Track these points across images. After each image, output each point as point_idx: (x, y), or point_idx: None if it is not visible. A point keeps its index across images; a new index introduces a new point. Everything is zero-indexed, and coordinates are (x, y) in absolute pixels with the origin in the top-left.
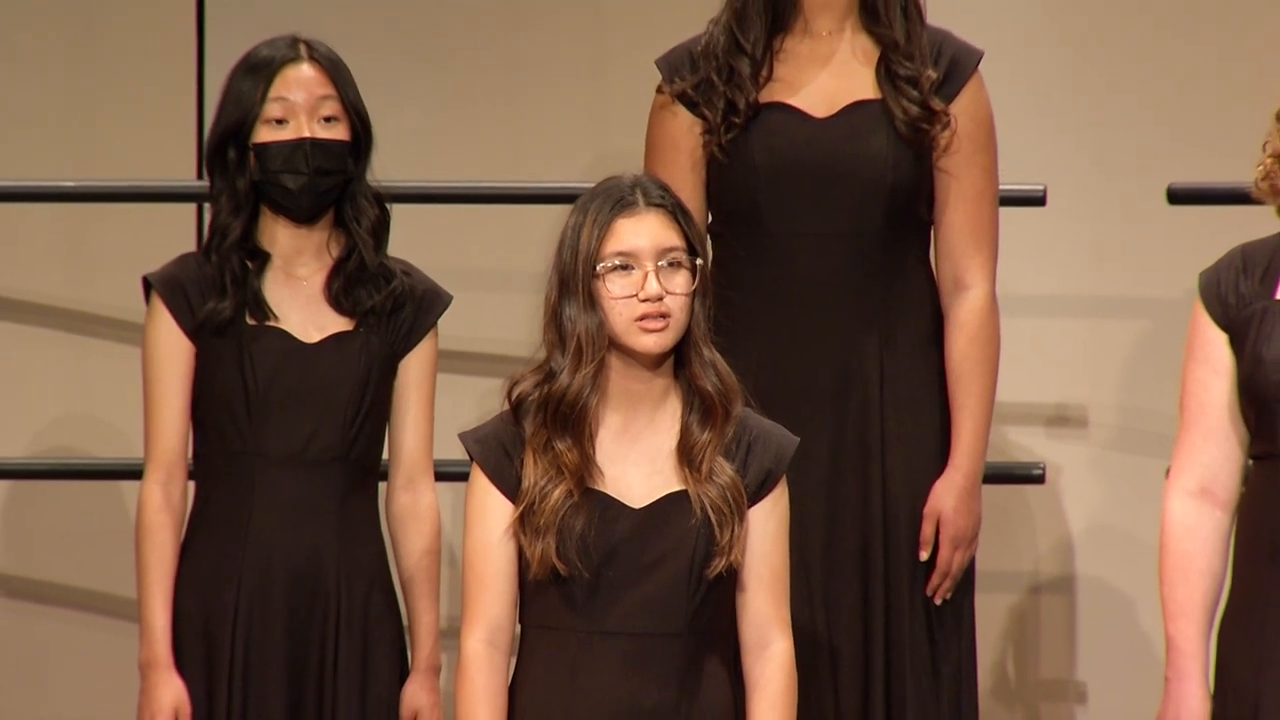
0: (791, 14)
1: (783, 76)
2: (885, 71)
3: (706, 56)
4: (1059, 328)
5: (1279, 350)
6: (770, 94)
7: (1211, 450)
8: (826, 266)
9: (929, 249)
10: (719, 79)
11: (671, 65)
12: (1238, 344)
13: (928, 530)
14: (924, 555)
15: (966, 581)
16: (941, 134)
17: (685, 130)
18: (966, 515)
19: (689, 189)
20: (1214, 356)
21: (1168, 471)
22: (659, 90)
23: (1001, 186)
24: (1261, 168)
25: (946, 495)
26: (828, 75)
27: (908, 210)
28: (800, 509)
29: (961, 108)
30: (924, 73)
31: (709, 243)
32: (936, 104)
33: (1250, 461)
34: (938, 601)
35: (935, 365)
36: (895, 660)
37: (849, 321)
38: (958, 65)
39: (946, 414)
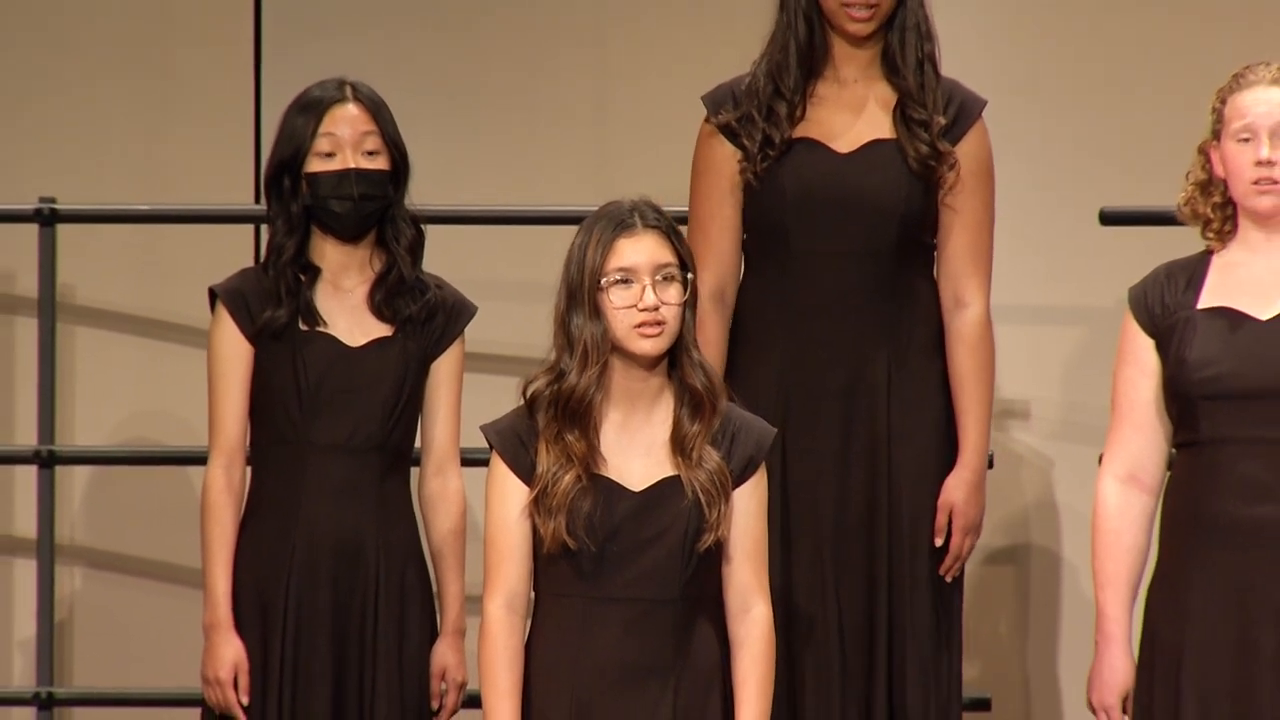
0: (824, 63)
1: (813, 116)
2: (901, 115)
3: (749, 95)
4: (1006, 333)
5: (1199, 353)
6: (801, 130)
7: (1139, 441)
8: (843, 282)
9: (933, 269)
10: (759, 116)
11: (716, 100)
12: (1163, 348)
13: (941, 520)
14: (939, 542)
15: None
16: (947, 172)
17: (726, 158)
18: (975, 506)
19: (729, 208)
20: (1142, 359)
21: (1100, 459)
22: (706, 121)
23: None
24: (1184, 194)
25: (957, 489)
26: (851, 116)
27: (915, 236)
28: (813, 496)
29: (965, 150)
30: (934, 118)
31: (743, 260)
32: (944, 145)
33: (1174, 450)
34: (949, 579)
35: (937, 371)
36: (897, 629)
37: (861, 330)
38: (964, 111)
39: (946, 414)
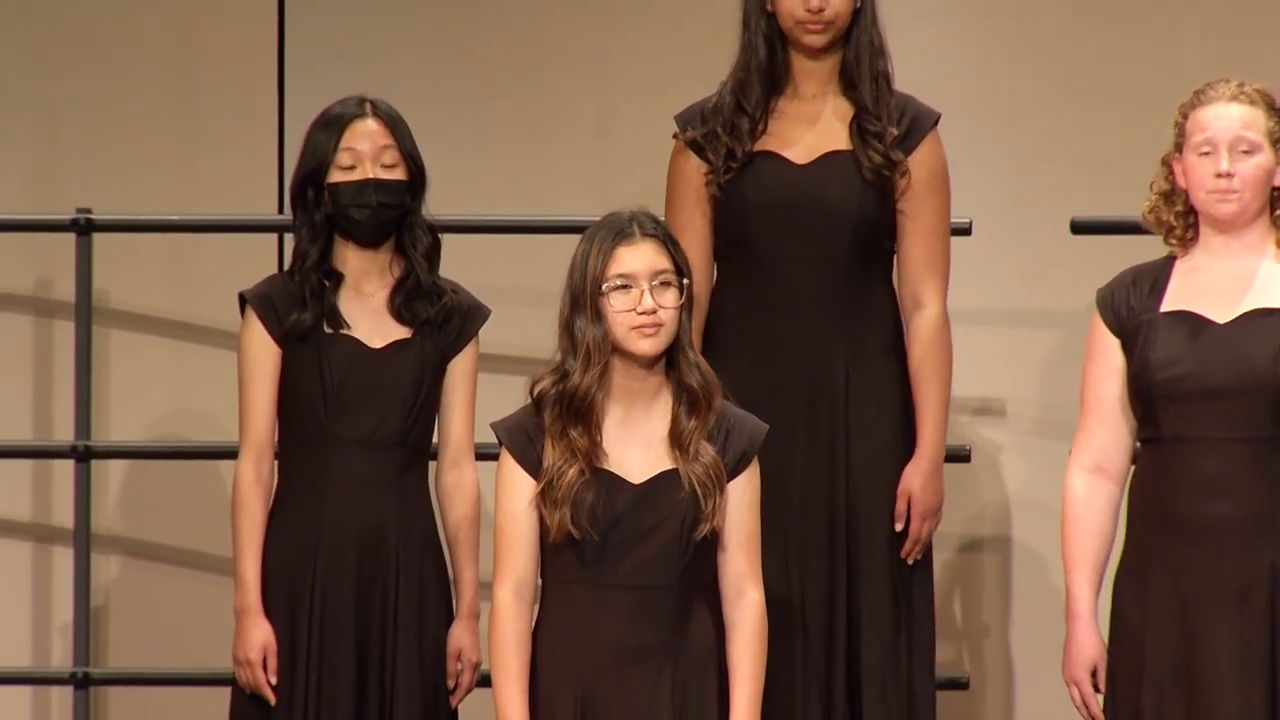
0: (785, 80)
1: (773, 130)
2: (857, 128)
3: (715, 112)
4: (983, 335)
5: (1162, 353)
6: (762, 144)
7: (1105, 435)
8: (803, 286)
9: (891, 274)
10: (723, 131)
11: (686, 119)
12: (1129, 348)
13: (901, 507)
14: (899, 527)
15: (927, 548)
16: (900, 180)
17: (694, 171)
18: (933, 493)
19: (699, 218)
20: (1108, 358)
21: (1071, 452)
22: (675, 137)
23: None
24: (1149, 203)
25: (915, 477)
26: (809, 130)
27: (872, 241)
28: (781, 485)
29: (919, 159)
30: (888, 130)
31: (714, 266)
32: (896, 155)
33: (1138, 444)
34: (910, 563)
35: (894, 369)
36: (856, 612)
37: (822, 331)
38: (917, 124)
39: (902, 409)
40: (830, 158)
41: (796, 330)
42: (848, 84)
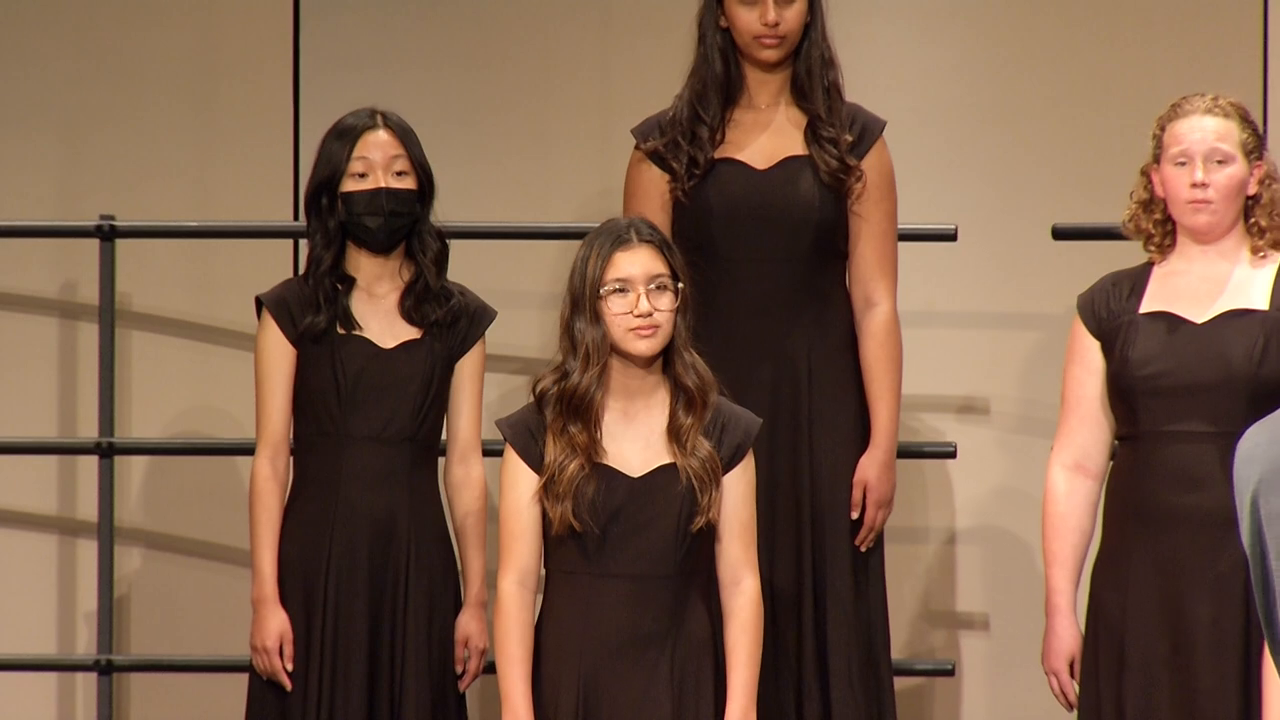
0: (739, 91)
1: (731, 139)
2: (812, 134)
3: (673, 124)
4: (968, 336)
5: (1140, 353)
6: (722, 152)
7: (1085, 433)
8: (766, 285)
9: (845, 274)
10: (684, 141)
11: (644, 131)
12: (1108, 349)
13: (856, 495)
14: (854, 515)
15: (880, 535)
16: (854, 183)
17: (655, 180)
18: (886, 482)
19: (660, 226)
20: (1089, 359)
21: (1051, 449)
22: (636, 149)
23: (922, 226)
24: (1128, 211)
25: (870, 467)
26: (766, 137)
27: (829, 242)
28: None
29: (869, 164)
30: (841, 135)
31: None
32: (850, 159)
33: (1117, 442)
34: (864, 549)
35: (851, 364)
36: (821, 592)
37: (783, 328)
38: (867, 131)
39: (860, 401)
40: (789, 162)
41: (760, 326)
42: (799, 94)
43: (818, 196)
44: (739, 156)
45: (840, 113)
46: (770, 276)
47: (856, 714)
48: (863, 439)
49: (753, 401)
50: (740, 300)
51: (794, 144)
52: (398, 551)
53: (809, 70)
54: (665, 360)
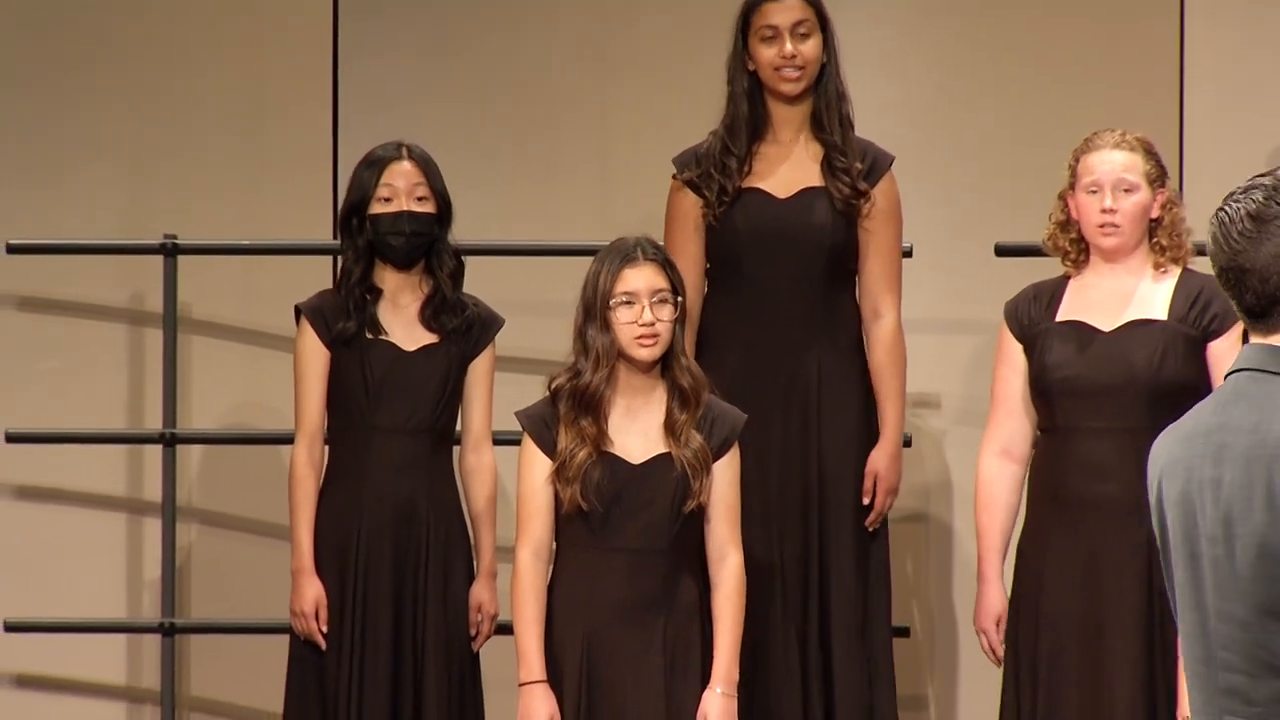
0: (765, 127)
1: (757, 170)
2: (827, 165)
3: (707, 156)
4: (921, 340)
5: (1056, 357)
6: (749, 182)
7: (1011, 424)
8: (784, 299)
9: (854, 288)
10: (716, 172)
11: (682, 161)
12: (1030, 352)
13: (868, 484)
14: (866, 501)
15: (885, 519)
16: (865, 207)
17: (691, 205)
18: (895, 473)
19: (694, 245)
20: (1013, 359)
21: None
22: (674, 178)
23: None
24: (1048, 231)
25: (881, 459)
26: (788, 168)
27: (841, 262)
28: (763, 469)
29: (879, 190)
30: (854, 165)
31: (705, 284)
32: (862, 186)
33: (1039, 433)
34: (871, 530)
35: (858, 370)
36: (827, 571)
37: (797, 339)
38: (877, 163)
39: (865, 403)
40: (807, 192)
41: (777, 336)
42: (818, 127)
43: (831, 223)
44: (763, 186)
45: (853, 144)
46: (788, 292)
47: (856, 670)
48: (865, 433)
49: (768, 400)
50: (760, 311)
51: (811, 175)
52: (418, 529)
53: (827, 104)
54: (664, 363)
